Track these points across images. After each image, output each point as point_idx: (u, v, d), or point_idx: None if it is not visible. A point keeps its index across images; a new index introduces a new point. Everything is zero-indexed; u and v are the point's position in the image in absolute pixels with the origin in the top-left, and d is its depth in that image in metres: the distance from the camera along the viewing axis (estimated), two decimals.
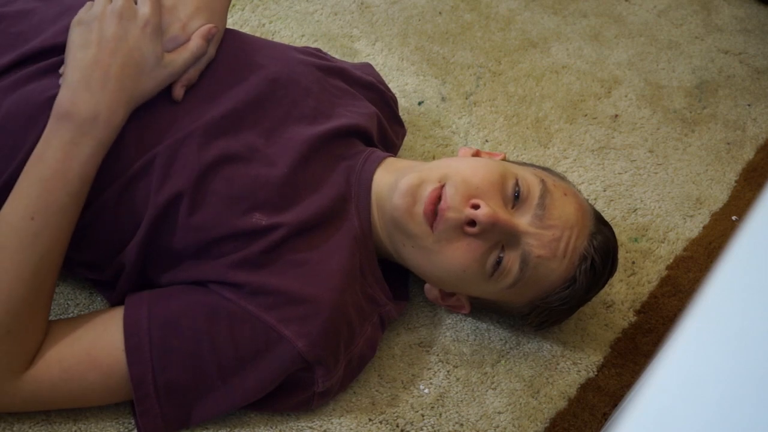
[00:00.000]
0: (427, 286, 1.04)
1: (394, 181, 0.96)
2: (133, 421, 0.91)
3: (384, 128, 1.11)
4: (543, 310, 1.00)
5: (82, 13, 0.90)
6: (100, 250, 0.93)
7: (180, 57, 0.91)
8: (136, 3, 0.91)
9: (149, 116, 0.91)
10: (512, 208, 0.94)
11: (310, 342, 0.88)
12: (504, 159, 1.06)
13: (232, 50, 0.99)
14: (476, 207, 0.91)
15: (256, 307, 0.88)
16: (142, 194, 0.89)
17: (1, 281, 0.82)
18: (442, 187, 0.93)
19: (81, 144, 0.84)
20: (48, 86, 0.90)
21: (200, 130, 0.92)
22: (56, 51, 0.93)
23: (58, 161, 0.83)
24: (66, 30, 0.94)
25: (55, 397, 0.86)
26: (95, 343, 0.87)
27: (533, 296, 0.98)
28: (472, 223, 0.91)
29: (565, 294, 0.97)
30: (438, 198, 0.92)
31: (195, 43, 0.92)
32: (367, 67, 1.18)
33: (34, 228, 0.82)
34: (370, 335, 0.97)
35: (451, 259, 0.93)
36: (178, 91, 0.92)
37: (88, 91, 0.85)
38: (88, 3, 0.91)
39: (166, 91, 0.93)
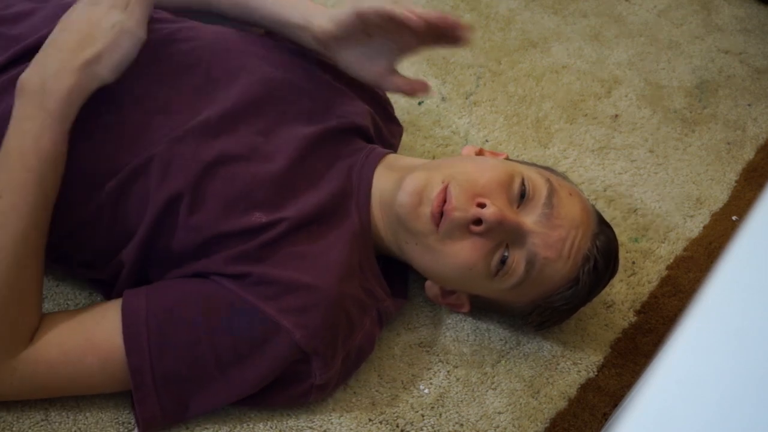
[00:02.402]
0: (427, 283, 1.04)
1: (398, 178, 0.96)
2: (133, 421, 0.91)
3: (379, 127, 1.12)
4: (544, 310, 1.00)
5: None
6: (100, 250, 0.93)
7: (129, 16, 0.89)
8: None
9: (143, 114, 0.92)
10: (518, 207, 0.94)
11: (308, 333, 0.88)
12: (506, 159, 1.06)
13: (226, 49, 0.99)
14: (482, 206, 0.91)
15: (255, 296, 0.88)
16: (141, 193, 0.89)
17: None
18: (447, 186, 0.93)
19: (33, 118, 0.84)
20: None
21: (198, 130, 0.92)
22: None
23: (15, 138, 0.84)
24: None
25: (53, 379, 0.86)
26: (95, 329, 0.87)
27: (536, 296, 0.98)
28: (477, 221, 0.91)
29: (568, 294, 0.97)
30: (443, 198, 0.92)
31: None
32: None
33: (2, 205, 0.83)
34: (368, 330, 0.97)
35: (455, 257, 0.93)
36: None
37: (40, 63, 0.86)
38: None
39: (160, 88, 0.93)
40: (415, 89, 0.98)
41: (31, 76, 0.86)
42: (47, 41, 0.88)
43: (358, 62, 0.99)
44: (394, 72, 0.99)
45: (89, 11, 0.89)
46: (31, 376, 0.85)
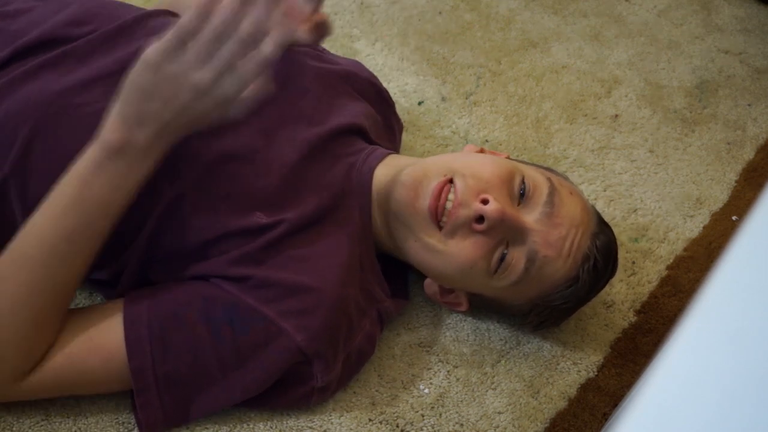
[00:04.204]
0: (426, 281, 1.04)
1: (395, 175, 0.96)
2: (133, 421, 0.91)
3: (379, 125, 1.12)
4: (543, 309, 1.00)
5: (154, 58, 0.76)
6: (102, 251, 0.93)
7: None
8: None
9: None
10: (518, 205, 0.94)
11: (309, 335, 0.88)
12: (507, 158, 1.06)
13: None
14: (485, 202, 0.91)
15: (256, 300, 0.88)
16: (144, 195, 0.89)
17: (25, 294, 0.82)
18: (449, 181, 0.93)
19: (129, 176, 0.82)
20: (46, 83, 0.90)
21: (201, 129, 0.91)
22: (53, 44, 0.93)
23: (105, 190, 0.81)
24: (64, 24, 0.94)
25: (60, 383, 0.87)
26: (98, 333, 0.87)
27: (535, 295, 0.98)
28: (480, 219, 0.91)
29: (567, 293, 0.97)
30: (441, 191, 0.92)
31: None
32: (357, 64, 1.18)
33: (69, 249, 0.82)
34: (368, 331, 0.97)
35: (457, 256, 0.93)
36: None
37: (145, 131, 0.79)
38: (169, 39, 0.75)
39: None
40: (318, 20, 0.81)
41: (136, 135, 0.79)
42: (146, 106, 0.78)
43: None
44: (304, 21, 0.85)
45: (198, 102, 0.78)
46: (38, 383, 0.86)
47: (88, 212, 0.82)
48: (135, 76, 0.78)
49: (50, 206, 0.83)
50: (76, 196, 0.82)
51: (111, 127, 0.80)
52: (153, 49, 0.76)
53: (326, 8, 1.48)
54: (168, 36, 0.75)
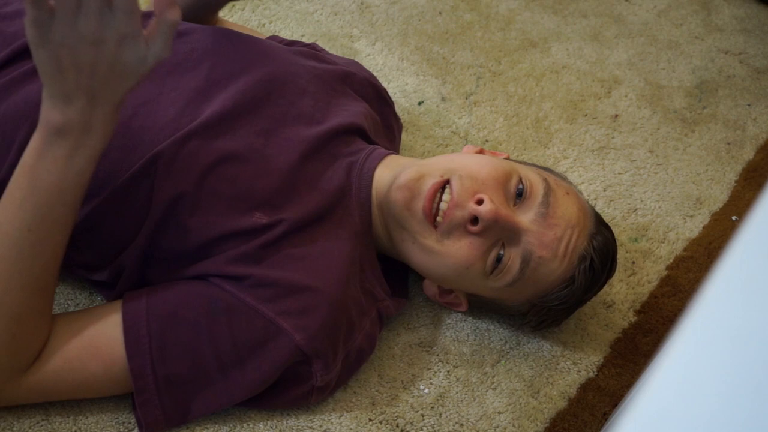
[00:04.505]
0: (425, 282, 1.04)
1: (394, 176, 0.96)
2: (133, 421, 0.91)
3: (379, 125, 1.12)
4: (541, 309, 1.00)
5: (33, 35, 0.74)
6: (101, 252, 0.93)
7: (158, 40, 0.76)
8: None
9: (145, 118, 0.91)
10: (514, 205, 0.94)
11: (308, 335, 0.88)
12: (507, 159, 1.06)
13: (227, 49, 0.99)
14: (480, 202, 0.91)
15: (255, 299, 0.88)
16: (144, 195, 0.89)
17: (4, 290, 0.82)
18: (446, 181, 0.93)
19: (75, 156, 0.80)
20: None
21: (200, 130, 0.92)
22: None
23: (53, 175, 0.80)
24: None
25: (59, 387, 0.87)
26: (96, 334, 0.87)
27: (531, 295, 0.98)
28: (474, 220, 0.91)
29: (564, 294, 0.97)
30: (436, 192, 0.92)
31: (166, 18, 0.75)
32: (356, 64, 1.18)
33: (32, 239, 0.81)
34: (368, 330, 0.97)
35: (453, 257, 0.94)
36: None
37: (76, 105, 0.78)
38: (31, 16, 0.73)
39: (162, 91, 0.93)
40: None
41: (72, 116, 0.78)
42: (61, 82, 0.76)
43: None
44: None
45: (96, 52, 0.75)
46: (36, 386, 0.86)
47: (42, 200, 0.80)
48: (37, 60, 0.76)
49: (5, 201, 0.82)
50: (26, 186, 0.80)
51: (44, 113, 0.79)
52: (28, 28, 0.74)
53: (326, 8, 1.49)
54: (29, 9, 0.72)
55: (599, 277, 0.99)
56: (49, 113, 0.78)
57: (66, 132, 0.78)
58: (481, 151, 1.06)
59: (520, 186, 0.94)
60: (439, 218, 0.93)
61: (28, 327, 0.84)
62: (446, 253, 0.94)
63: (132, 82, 0.78)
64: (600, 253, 0.97)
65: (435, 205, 0.93)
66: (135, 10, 0.74)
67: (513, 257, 0.94)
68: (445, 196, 0.93)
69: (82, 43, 0.74)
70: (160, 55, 0.76)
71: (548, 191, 0.95)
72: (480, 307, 1.06)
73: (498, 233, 0.93)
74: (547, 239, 0.93)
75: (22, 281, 0.82)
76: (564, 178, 1.04)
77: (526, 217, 0.94)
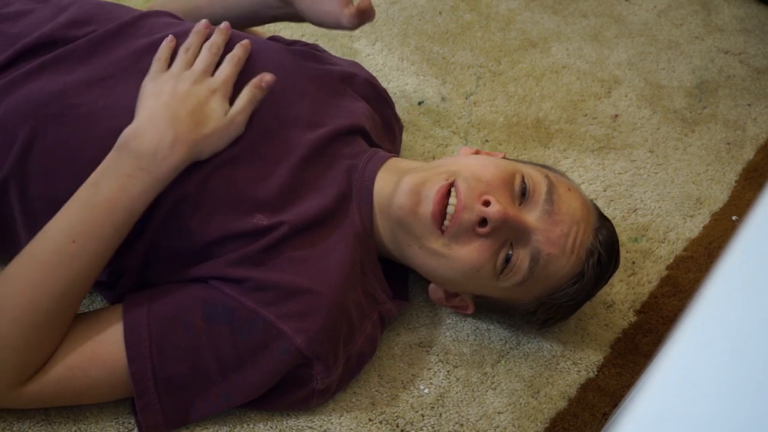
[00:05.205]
0: (431, 286, 1.04)
1: (396, 180, 0.96)
2: (133, 421, 0.91)
3: (379, 126, 1.11)
4: (550, 306, 1.00)
5: (156, 71, 0.91)
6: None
7: (242, 111, 0.92)
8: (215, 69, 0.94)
9: None
10: (519, 205, 0.94)
11: (309, 338, 0.88)
12: (504, 158, 1.06)
13: (225, 51, 0.99)
14: (487, 203, 0.91)
15: (255, 302, 0.88)
16: None
17: (30, 294, 0.82)
18: (451, 184, 0.93)
19: (136, 177, 0.84)
20: (46, 83, 0.91)
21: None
22: (53, 45, 0.93)
23: (111, 191, 0.84)
24: (63, 25, 0.95)
25: (60, 393, 0.87)
26: (97, 341, 0.87)
27: (540, 293, 0.98)
28: (483, 222, 0.91)
29: (573, 290, 0.97)
30: (444, 196, 0.92)
31: (251, 93, 0.94)
32: (356, 65, 1.18)
33: (72, 250, 0.83)
34: (369, 333, 0.97)
35: (462, 260, 0.93)
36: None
37: (152, 127, 0.86)
38: (158, 60, 0.93)
39: None
40: (363, 7, 1.02)
41: (143, 136, 0.86)
42: (153, 103, 0.89)
43: (312, 6, 1.03)
44: (347, 5, 1.02)
45: (193, 88, 0.91)
46: (38, 394, 0.85)
47: (94, 215, 0.84)
48: (144, 89, 0.90)
49: (65, 207, 0.85)
50: (85, 197, 0.85)
51: (126, 132, 0.87)
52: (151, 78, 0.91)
53: None
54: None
55: (606, 270, 0.99)
56: (126, 131, 0.86)
57: (133, 149, 0.85)
58: (477, 153, 1.06)
59: (524, 185, 0.94)
60: (446, 222, 0.93)
61: (43, 338, 0.84)
62: (455, 257, 0.93)
63: (213, 138, 0.89)
64: (606, 246, 0.97)
65: (441, 209, 0.92)
66: (232, 77, 0.94)
67: (522, 256, 0.94)
68: (452, 200, 0.93)
69: (187, 77, 0.91)
70: (237, 132, 0.92)
71: (551, 188, 0.95)
72: (486, 308, 1.06)
73: (506, 233, 0.93)
74: (555, 236, 0.93)
75: (51, 289, 0.83)
76: (563, 175, 1.04)
77: (532, 216, 0.94)
